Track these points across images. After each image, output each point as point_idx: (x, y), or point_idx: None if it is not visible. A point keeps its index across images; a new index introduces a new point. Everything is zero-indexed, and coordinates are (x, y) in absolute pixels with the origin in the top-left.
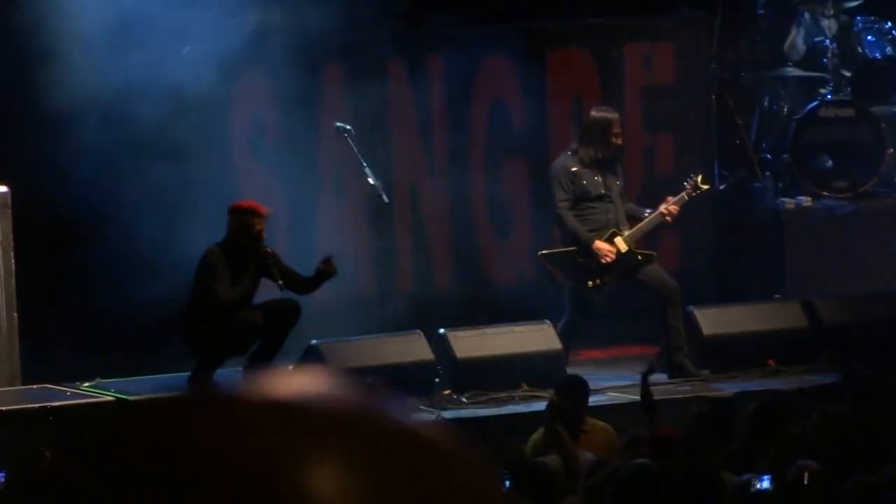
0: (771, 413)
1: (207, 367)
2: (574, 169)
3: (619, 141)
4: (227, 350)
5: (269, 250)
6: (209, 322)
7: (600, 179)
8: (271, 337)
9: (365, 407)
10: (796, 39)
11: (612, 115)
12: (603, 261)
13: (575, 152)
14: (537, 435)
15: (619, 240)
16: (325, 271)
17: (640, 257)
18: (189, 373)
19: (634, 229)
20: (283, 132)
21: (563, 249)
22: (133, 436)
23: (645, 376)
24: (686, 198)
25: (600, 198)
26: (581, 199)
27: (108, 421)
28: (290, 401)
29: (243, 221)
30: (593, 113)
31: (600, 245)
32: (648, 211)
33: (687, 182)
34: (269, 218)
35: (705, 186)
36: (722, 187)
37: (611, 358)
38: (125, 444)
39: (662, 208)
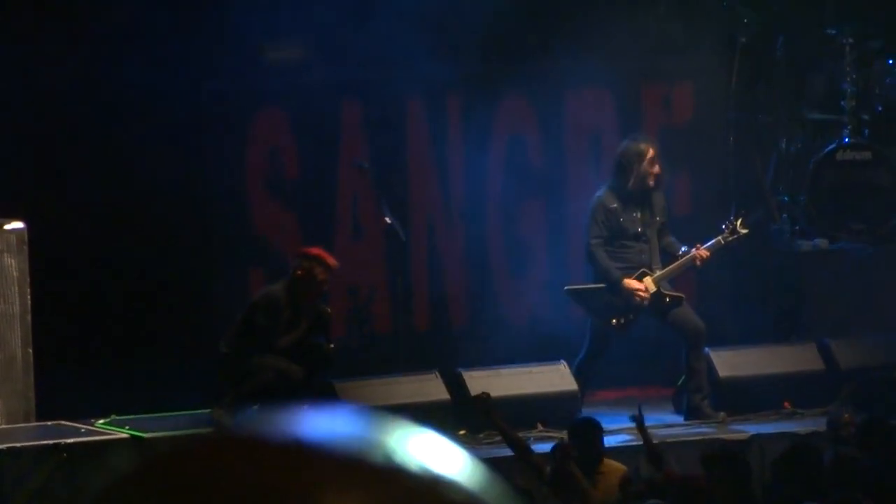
0: (799, 456)
1: (236, 405)
2: (613, 206)
3: (657, 170)
4: (262, 395)
5: (328, 310)
6: (251, 361)
7: (638, 216)
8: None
9: (381, 447)
10: (815, 82)
11: (645, 146)
12: (635, 300)
13: (612, 186)
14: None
15: (648, 280)
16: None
17: (667, 299)
18: (209, 410)
19: (665, 271)
20: (300, 169)
21: (590, 286)
22: (153, 476)
23: (638, 424)
24: (722, 242)
25: (636, 237)
26: (616, 237)
27: (129, 461)
28: (307, 440)
29: (308, 269)
30: (627, 143)
31: (630, 283)
32: (684, 248)
33: (725, 226)
34: (334, 271)
35: (744, 231)
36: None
37: (624, 398)
38: (146, 484)
39: (693, 252)
